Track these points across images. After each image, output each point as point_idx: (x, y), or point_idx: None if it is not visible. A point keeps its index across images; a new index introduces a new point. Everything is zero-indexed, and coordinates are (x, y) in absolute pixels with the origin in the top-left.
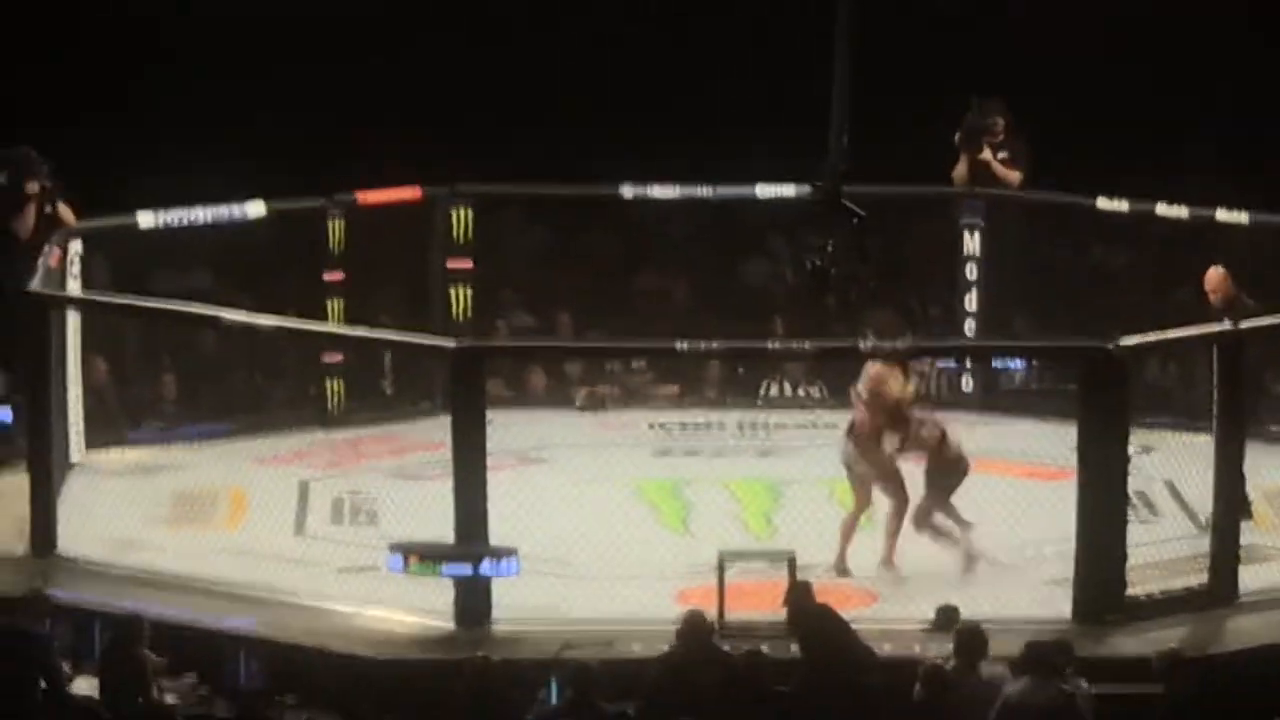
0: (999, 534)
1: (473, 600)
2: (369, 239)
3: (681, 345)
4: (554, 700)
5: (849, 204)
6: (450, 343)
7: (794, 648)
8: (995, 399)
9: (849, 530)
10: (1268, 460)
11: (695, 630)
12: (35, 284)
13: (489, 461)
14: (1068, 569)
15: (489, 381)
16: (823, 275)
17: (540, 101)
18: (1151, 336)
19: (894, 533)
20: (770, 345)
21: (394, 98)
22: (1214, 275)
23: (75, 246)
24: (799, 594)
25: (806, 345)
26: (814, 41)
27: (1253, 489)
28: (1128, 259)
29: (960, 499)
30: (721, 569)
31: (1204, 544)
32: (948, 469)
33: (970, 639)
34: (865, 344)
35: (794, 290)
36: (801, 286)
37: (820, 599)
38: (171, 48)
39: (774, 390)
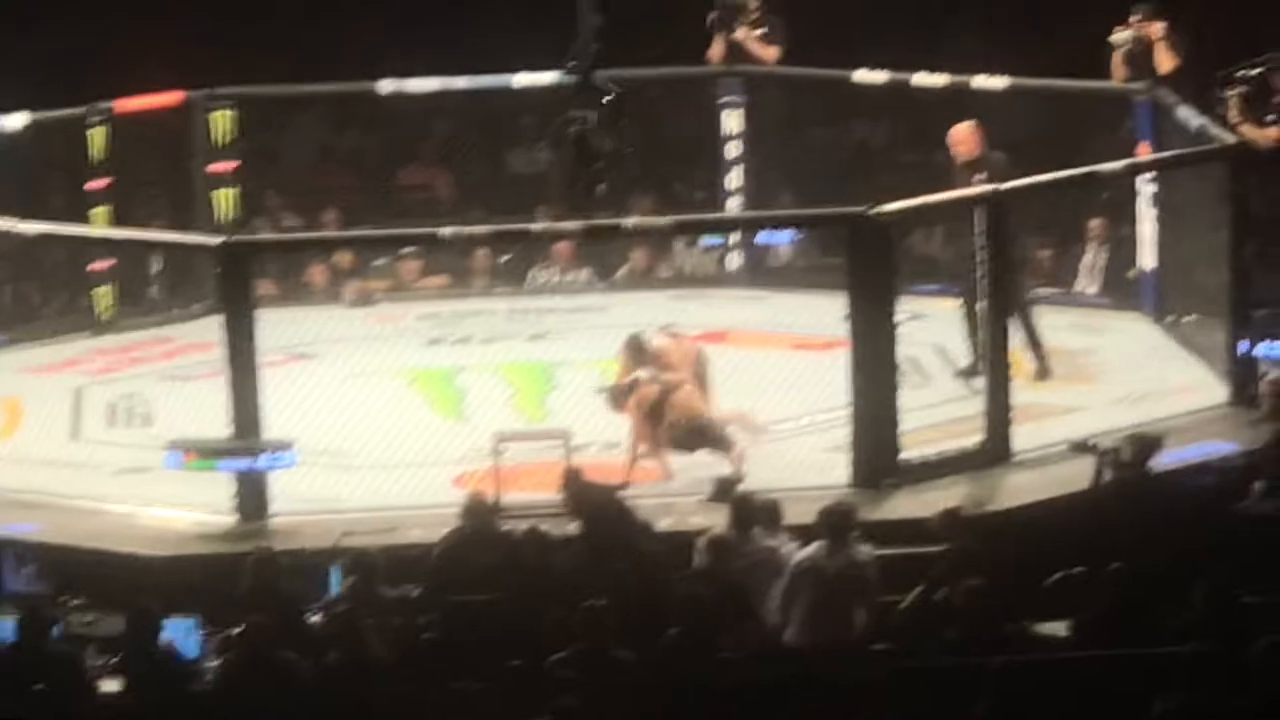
0: (773, 407)
1: (251, 494)
2: (131, 147)
3: (445, 232)
4: (335, 589)
5: (602, 83)
6: (216, 239)
7: (573, 526)
8: (762, 276)
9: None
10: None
11: (476, 511)
12: None
13: (261, 359)
14: (843, 437)
15: (259, 282)
16: (583, 143)
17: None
18: (914, 200)
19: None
20: (533, 227)
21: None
22: (962, 129)
23: None
24: (574, 473)
25: (570, 225)
26: None
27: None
28: (889, 131)
29: (734, 375)
30: (498, 451)
31: (976, 405)
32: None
33: (746, 506)
34: (628, 223)
35: (558, 178)
36: (562, 162)
37: (600, 476)
38: None
39: (542, 277)
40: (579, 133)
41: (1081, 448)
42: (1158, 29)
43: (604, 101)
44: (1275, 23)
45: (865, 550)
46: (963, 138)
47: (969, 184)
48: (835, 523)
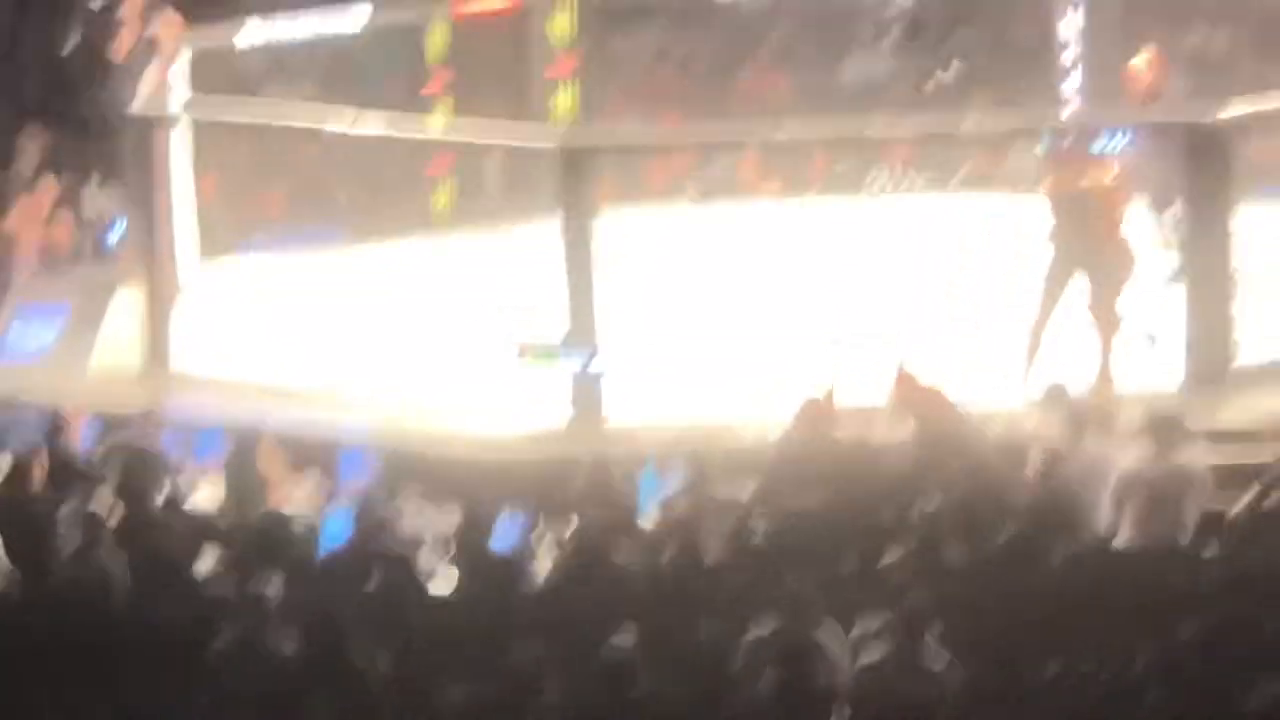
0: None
1: (586, 396)
2: (470, 47)
3: (781, 133)
4: (661, 492)
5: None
6: (556, 140)
7: (906, 430)
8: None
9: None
10: None
11: (809, 416)
12: (136, 106)
13: (598, 262)
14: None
15: (600, 180)
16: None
17: None
18: (1256, 106)
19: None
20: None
21: None
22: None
23: (181, 63)
24: (907, 378)
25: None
26: None
27: None
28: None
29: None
30: (830, 360)
31: None
32: None
33: (1075, 413)
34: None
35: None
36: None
37: (930, 383)
38: None
39: (880, 181)
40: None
41: None
42: None
43: None
44: None
45: (1194, 455)
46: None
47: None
48: (1163, 429)
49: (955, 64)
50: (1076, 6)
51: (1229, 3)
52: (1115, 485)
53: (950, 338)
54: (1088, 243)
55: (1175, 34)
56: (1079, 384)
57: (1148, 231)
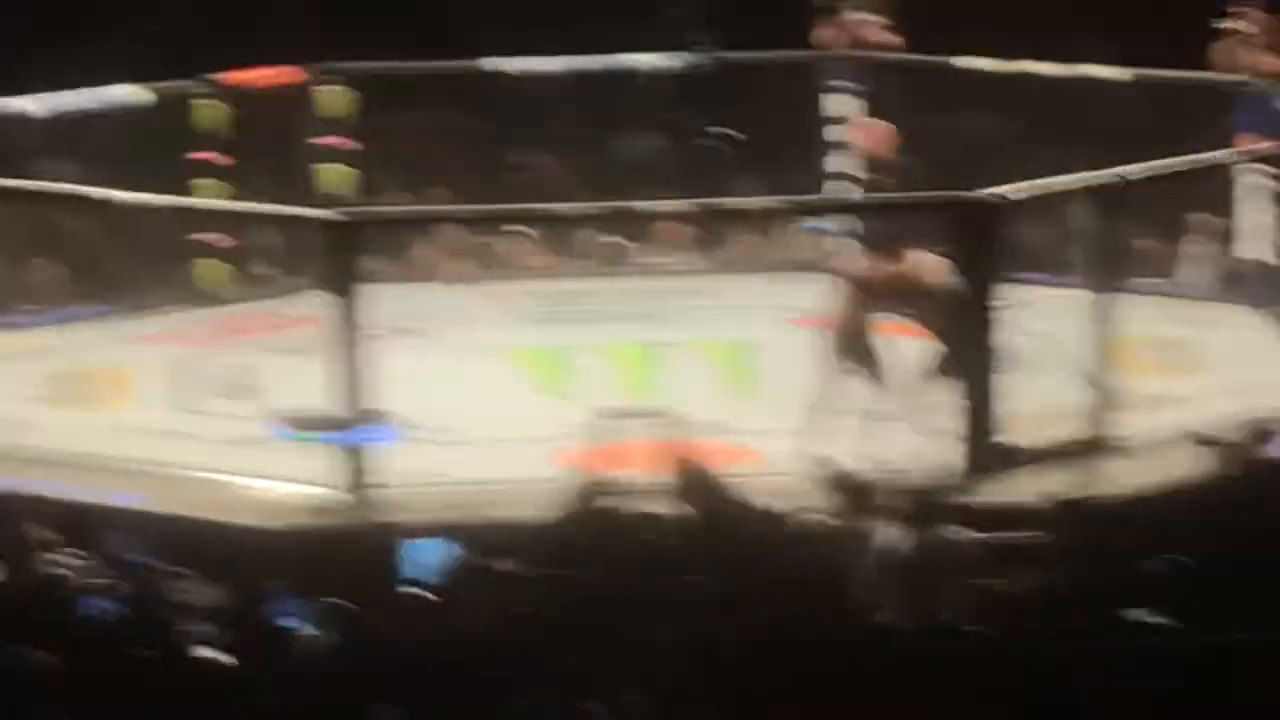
0: (880, 389)
1: (356, 467)
2: (244, 121)
3: (559, 209)
4: (435, 561)
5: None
6: (327, 213)
7: (674, 504)
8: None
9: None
10: (1141, 311)
11: (577, 489)
12: None
13: (367, 334)
14: (948, 421)
15: (366, 258)
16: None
17: None
18: (1027, 185)
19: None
20: (641, 205)
21: None
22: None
23: None
24: (678, 451)
25: (676, 205)
26: None
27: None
28: (997, 123)
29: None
30: (600, 429)
31: (1082, 395)
32: None
33: (846, 490)
34: (734, 204)
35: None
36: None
37: (700, 456)
38: None
39: (652, 258)
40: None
41: (1202, 439)
42: (1261, 24)
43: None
44: None
45: (956, 532)
46: (880, 137)
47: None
48: (924, 506)
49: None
50: (840, 93)
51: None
52: (880, 562)
53: (724, 413)
54: (862, 324)
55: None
56: (852, 461)
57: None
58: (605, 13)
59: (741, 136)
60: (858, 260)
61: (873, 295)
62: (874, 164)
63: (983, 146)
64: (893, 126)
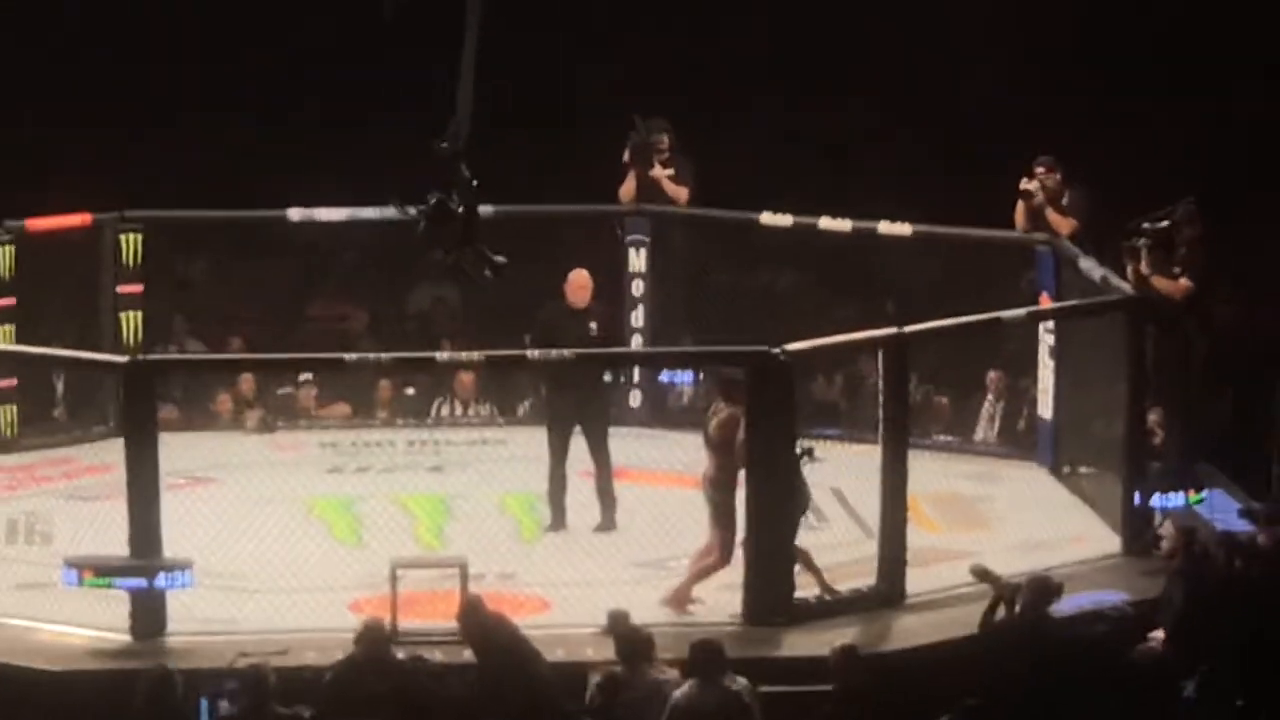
0: (670, 542)
1: (148, 613)
2: (37, 266)
3: (350, 357)
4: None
5: (488, 255)
6: (122, 359)
7: (467, 654)
8: (663, 415)
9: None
10: (930, 466)
11: (371, 637)
12: None
13: (162, 481)
14: (738, 574)
15: (162, 407)
16: (440, 207)
17: (207, 122)
18: (816, 341)
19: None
20: (436, 356)
21: (57, 120)
22: (580, 276)
23: None
24: (471, 603)
25: (475, 355)
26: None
27: (917, 494)
28: (793, 277)
29: (634, 512)
30: (394, 578)
31: (871, 548)
32: None
33: (634, 641)
34: (533, 354)
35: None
36: (424, 230)
37: (493, 606)
38: None
39: (444, 410)
40: (437, 200)
41: (983, 575)
42: (1057, 185)
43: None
44: (1176, 173)
45: (741, 684)
46: (584, 283)
47: (582, 331)
48: (706, 658)
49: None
50: (639, 247)
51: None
52: (670, 713)
53: (518, 563)
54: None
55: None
56: (644, 612)
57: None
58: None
59: (504, 260)
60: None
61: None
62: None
63: (779, 300)
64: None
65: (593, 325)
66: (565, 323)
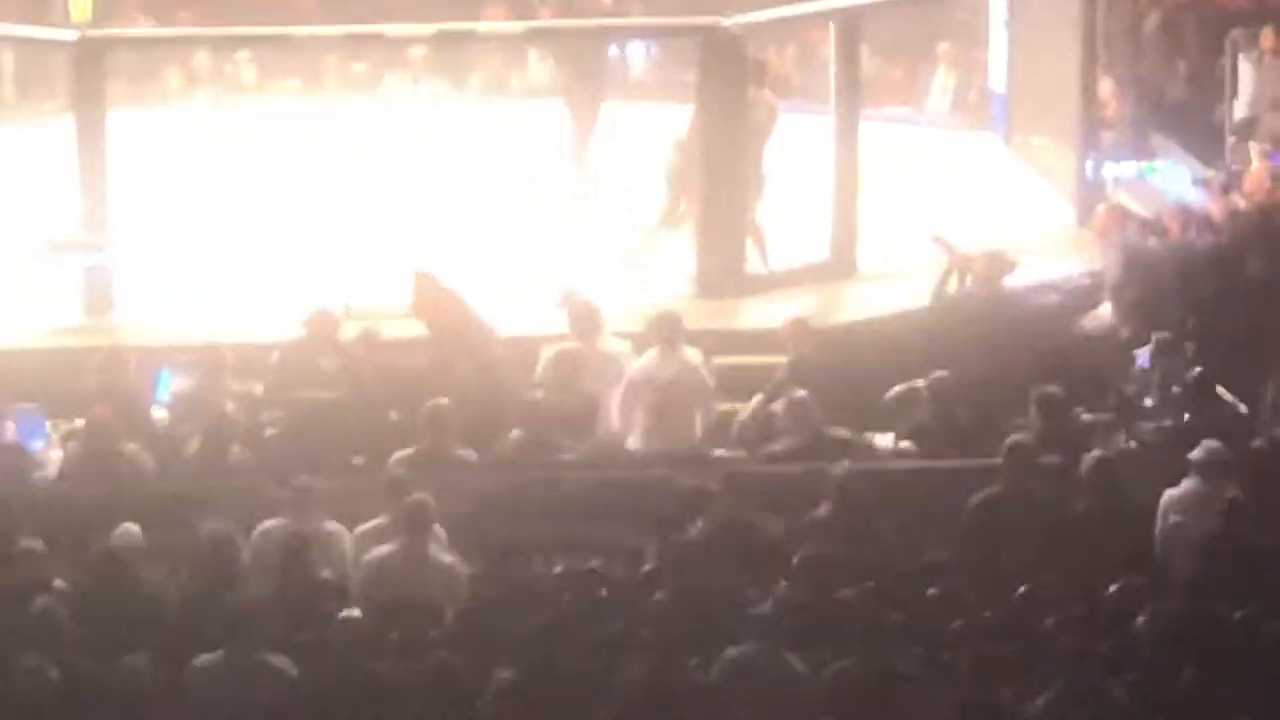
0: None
1: (99, 291)
2: None
3: (299, 31)
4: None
5: None
6: (72, 35)
7: (419, 328)
8: (614, 89)
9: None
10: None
11: (321, 320)
12: None
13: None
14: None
15: (114, 84)
16: None
17: None
18: (767, 12)
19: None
20: (385, 28)
21: None
22: None
23: None
24: (424, 275)
25: (423, 29)
26: None
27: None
28: None
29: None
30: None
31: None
32: None
33: (584, 313)
34: (480, 29)
35: None
36: None
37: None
38: None
39: (396, 85)
40: None
41: (942, 242)
42: None
43: None
44: None
45: (696, 355)
46: None
47: None
48: (665, 330)
49: None
50: None
51: None
52: (623, 386)
53: (466, 239)
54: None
55: None
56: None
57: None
58: None
59: None
60: None
61: None
62: None
63: None
64: None
65: None
66: None
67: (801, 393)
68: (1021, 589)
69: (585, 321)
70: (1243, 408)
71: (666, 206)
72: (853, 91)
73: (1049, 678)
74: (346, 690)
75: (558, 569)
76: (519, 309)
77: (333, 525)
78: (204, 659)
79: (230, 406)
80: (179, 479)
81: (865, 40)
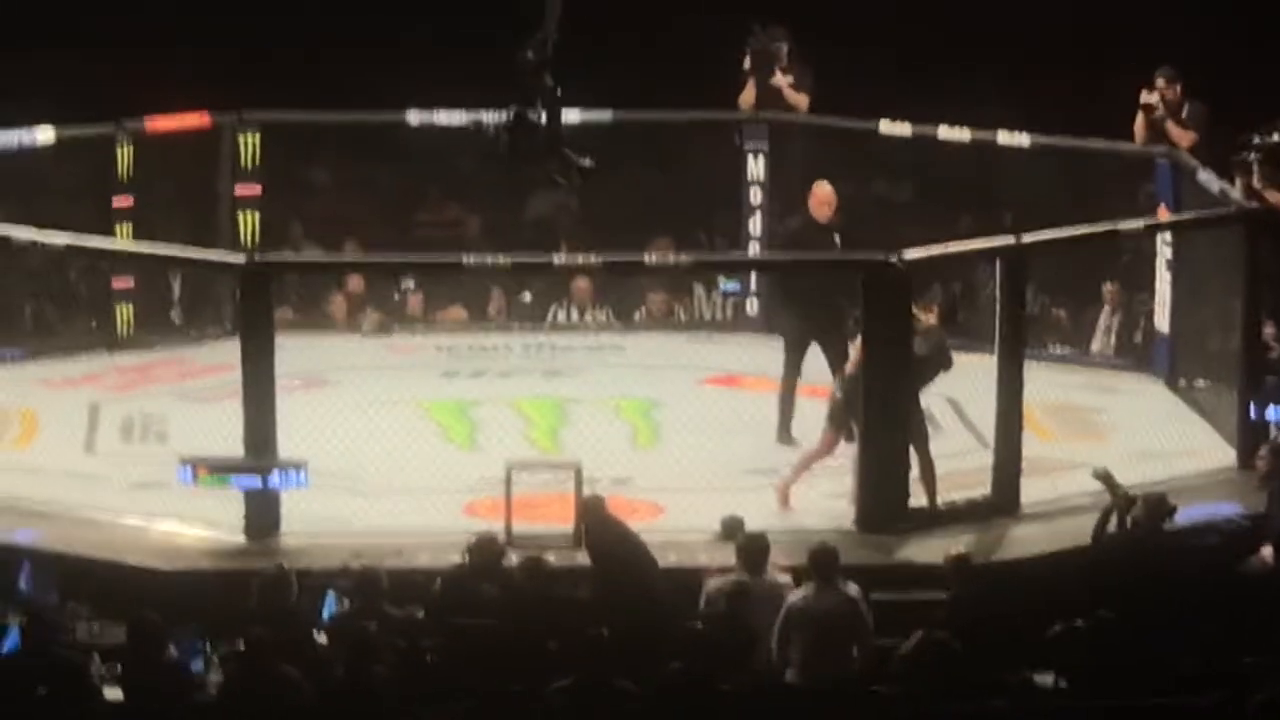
0: (785, 451)
1: (262, 512)
2: (157, 166)
3: (469, 259)
4: (332, 609)
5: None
6: (240, 258)
7: (581, 557)
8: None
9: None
10: (1046, 377)
11: (484, 546)
12: None
13: (278, 384)
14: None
15: (280, 308)
16: (522, 121)
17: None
18: (933, 248)
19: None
20: (552, 258)
21: (178, 22)
22: (828, 190)
23: None
24: (591, 505)
25: (589, 259)
26: None
27: (1032, 404)
28: (910, 187)
29: (749, 420)
30: (509, 480)
31: (986, 457)
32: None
33: (753, 547)
34: (650, 258)
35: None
36: (505, 143)
37: (610, 511)
38: None
39: (561, 315)
40: (517, 112)
41: (1106, 479)
42: (1177, 97)
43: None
44: None
45: (854, 590)
46: (828, 199)
47: (828, 245)
48: (822, 563)
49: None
50: (757, 154)
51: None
52: (781, 618)
53: (633, 468)
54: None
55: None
56: (756, 519)
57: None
58: None
59: (590, 164)
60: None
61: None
62: (830, 226)
63: (897, 210)
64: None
65: (836, 238)
66: (813, 236)
67: (979, 628)
68: None
69: (752, 554)
70: None
71: (824, 441)
72: (1017, 329)
73: None
74: None
75: None
76: (678, 540)
77: None
78: None
79: (374, 628)
80: (336, 703)
81: (1030, 278)
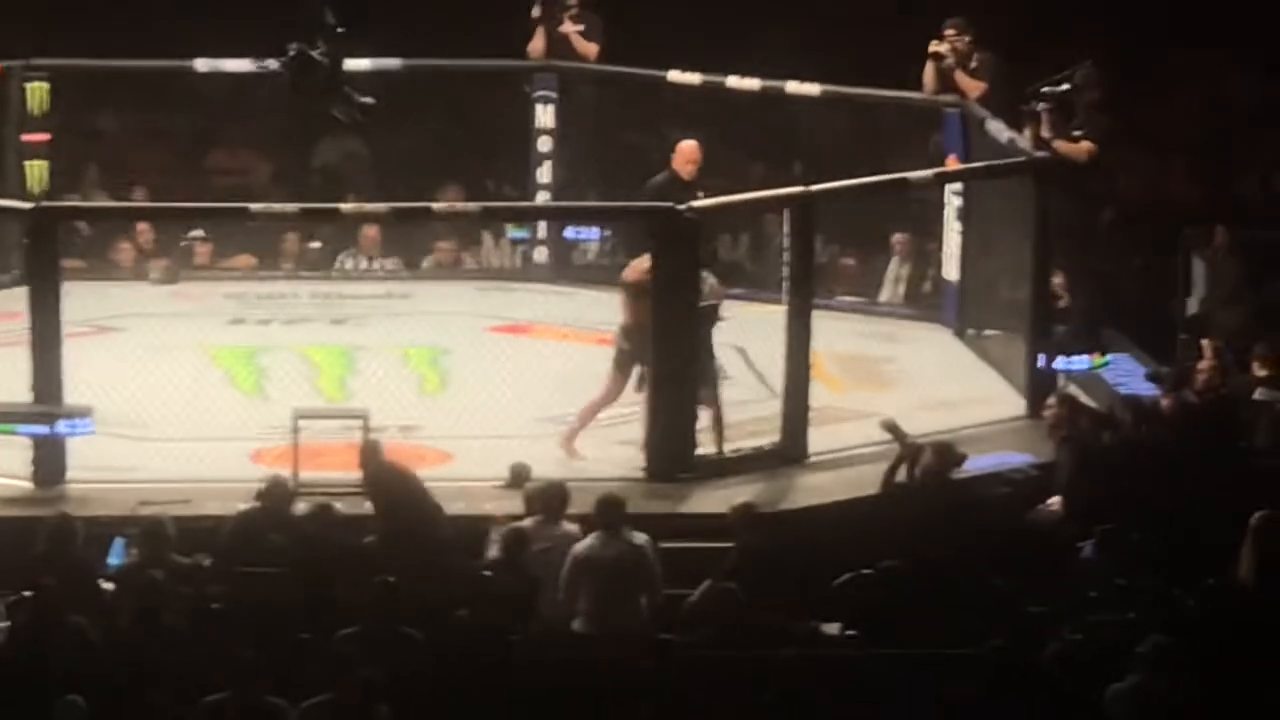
0: (573, 399)
1: (49, 460)
2: None
3: (255, 207)
4: (119, 558)
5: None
6: (26, 205)
7: (368, 505)
8: (568, 271)
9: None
10: (835, 326)
11: (273, 492)
12: None
13: (66, 330)
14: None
15: (67, 258)
16: (304, 60)
17: None
18: (722, 198)
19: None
20: (340, 206)
21: None
22: (693, 146)
23: None
24: (372, 452)
25: (376, 207)
26: None
27: (821, 353)
28: (699, 136)
29: (537, 368)
30: (296, 428)
31: (774, 406)
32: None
33: (543, 495)
34: (438, 206)
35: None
36: (289, 81)
37: (395, 458)
38: None
39: (349, 263)
40: (298, 50)
41: (893, 429)
42: (966, 47)
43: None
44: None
45: (641, 539)
46: (693, 156)
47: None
48: (609, 513)
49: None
50: (546, 103)
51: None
52: (567, 567)
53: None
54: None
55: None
56: (545, 467)
57: None
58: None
59: (372, 101)
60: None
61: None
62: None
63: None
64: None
65: (700, 195)
66: (676, 194)
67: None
68: None
69: (545, 501)
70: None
71: (608, 389)
72: (805, 278)
73: None
74: None
75: None
76: (465, 488)
77: (276, 701)
78: None
79: (161, 576)
80: (123, 651)
81: (819, 228)
